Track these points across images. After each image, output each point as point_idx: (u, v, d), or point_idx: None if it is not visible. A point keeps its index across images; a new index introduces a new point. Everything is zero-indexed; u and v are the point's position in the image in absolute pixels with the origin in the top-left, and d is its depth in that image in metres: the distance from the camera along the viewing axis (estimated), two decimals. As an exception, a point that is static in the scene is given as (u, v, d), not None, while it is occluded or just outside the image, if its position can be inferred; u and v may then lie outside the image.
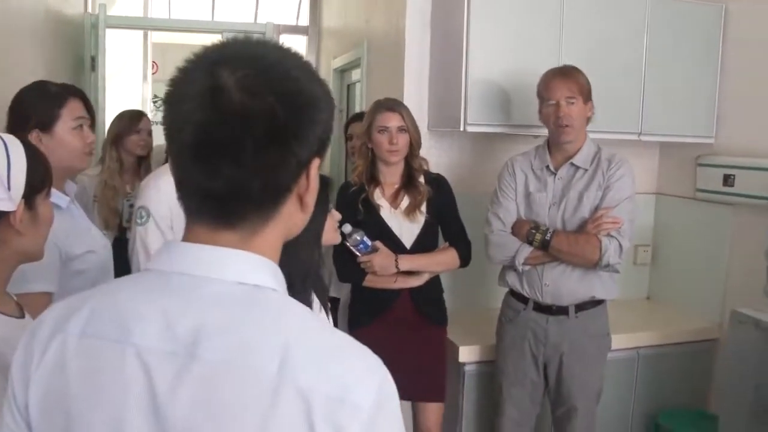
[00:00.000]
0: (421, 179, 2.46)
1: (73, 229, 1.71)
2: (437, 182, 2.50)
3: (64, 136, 1.72)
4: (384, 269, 2.39)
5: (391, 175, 2.46)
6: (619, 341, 2.64)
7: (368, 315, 2.47)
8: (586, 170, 2.40)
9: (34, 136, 1.68)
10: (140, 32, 6.91)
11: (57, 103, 1.73)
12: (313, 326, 0.81)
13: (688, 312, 3.15)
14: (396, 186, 2.47)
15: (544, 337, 2.42)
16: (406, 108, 2.44)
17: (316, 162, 0.82)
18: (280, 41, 0.88)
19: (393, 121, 2.37)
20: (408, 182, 2.45)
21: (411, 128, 2.39)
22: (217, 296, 0.78)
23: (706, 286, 3.07)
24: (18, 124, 1.67)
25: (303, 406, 0.72)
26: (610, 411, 2.77)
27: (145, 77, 7.02)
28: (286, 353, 0.74)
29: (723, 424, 2.52)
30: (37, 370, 0.82)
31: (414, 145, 2.42)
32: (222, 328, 0.76)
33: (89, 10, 4.59)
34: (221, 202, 0.79)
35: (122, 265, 1.86)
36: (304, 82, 0.80)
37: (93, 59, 4.00)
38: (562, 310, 2.41)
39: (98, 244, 1.77)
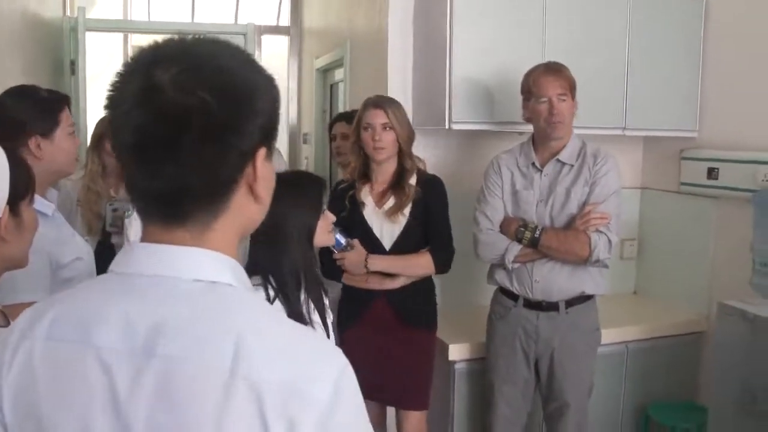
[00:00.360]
0: (413, 180, 2.41)
1: (61, 236, 1.71)
2: (429, 183, 2.44)
3: (62, 142, 1.74)
4: (354, 268, 2.37)
5: (382, 173, 2.43)
6: (607, 336, 2.65)
7: (349, 315, 2.44)
8: (572, 166, 2.40)
9: (33, 142, 1.68)
10: (120, 35, 6.84)
11: (57, 109, 1.74)
12: (268, 319, 0.81)
13: (674, 305, 3.17)
14: (385, 185, 2.44)
15: (535, 334, 2.42)
16: (395, 105, 2.39)
17: (262, 152, 0.82)
18: (225, 38, 0.89)
19: (377, 118, 2.34)
20: (396, 182, 2.41)
21: (398, 126, 2.35)
22: (174, 294, 0.79)
23: (692, 279, 3.09)
24: (6, 130, 1.65)
25: (255, 399, 0.72)
26: (601, 405, 2.77)
27: (125, 80, 6.92)
28: (238, 347, 0.74)
29: (712, 415, 2.54)
30: (8, 374, 0.83)
31: (402, 144, 2.38)
32: (178, 325, 0.77)
33: (68, 13, 4.54)
34: (166, 202, 0.80)
35: (105, 269, 1.84)
36: (242, 73, 0.80)
37: (73, 63, 3.95)
38: (552, 306, 2.41)
39: (83, 250, 1.76)
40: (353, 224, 2.40)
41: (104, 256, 2.09)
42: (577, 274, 2.40)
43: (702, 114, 3.06)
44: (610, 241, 2.33)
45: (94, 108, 3.91)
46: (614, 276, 2.70)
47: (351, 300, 2.47)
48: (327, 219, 1.88)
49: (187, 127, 0.76)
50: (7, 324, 1.25)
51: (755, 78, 2.82)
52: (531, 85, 2.37)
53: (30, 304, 1.46)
